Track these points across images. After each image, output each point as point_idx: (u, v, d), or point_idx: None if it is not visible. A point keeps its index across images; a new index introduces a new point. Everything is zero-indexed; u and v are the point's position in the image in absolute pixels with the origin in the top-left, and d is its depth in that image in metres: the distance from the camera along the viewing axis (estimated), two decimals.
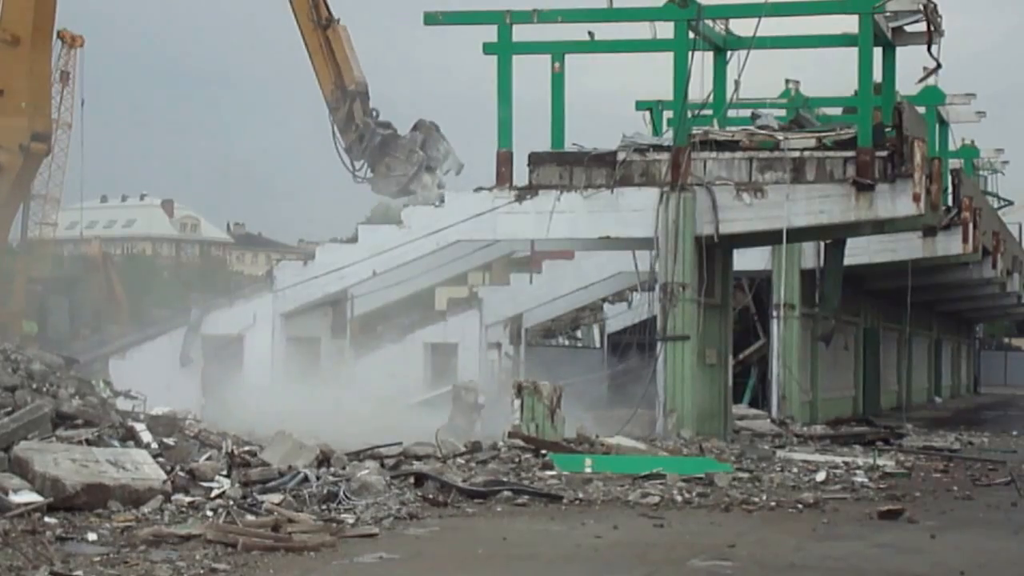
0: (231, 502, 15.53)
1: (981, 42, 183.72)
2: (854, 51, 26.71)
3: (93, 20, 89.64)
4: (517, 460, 20.53)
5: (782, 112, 32.44)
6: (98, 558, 12.91)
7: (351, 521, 15.28)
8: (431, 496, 17.16)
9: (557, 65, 29.01)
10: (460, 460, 20.23)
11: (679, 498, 18.15)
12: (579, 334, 53.60)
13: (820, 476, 20.96)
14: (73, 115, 52.67)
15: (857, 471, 21.94)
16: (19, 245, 48.26)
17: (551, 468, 19.93)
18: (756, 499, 18.27)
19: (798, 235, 28.91)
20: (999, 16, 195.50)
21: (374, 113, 29.81)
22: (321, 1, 29.79)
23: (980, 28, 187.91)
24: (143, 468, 15.92)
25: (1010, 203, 52.37)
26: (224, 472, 16.90)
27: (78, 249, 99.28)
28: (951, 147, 42.65)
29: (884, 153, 26.31)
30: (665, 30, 28.19)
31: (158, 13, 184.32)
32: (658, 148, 27.76)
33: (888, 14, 26.80)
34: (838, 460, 23.32)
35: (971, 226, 35.84)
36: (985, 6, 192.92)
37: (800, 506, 17.87)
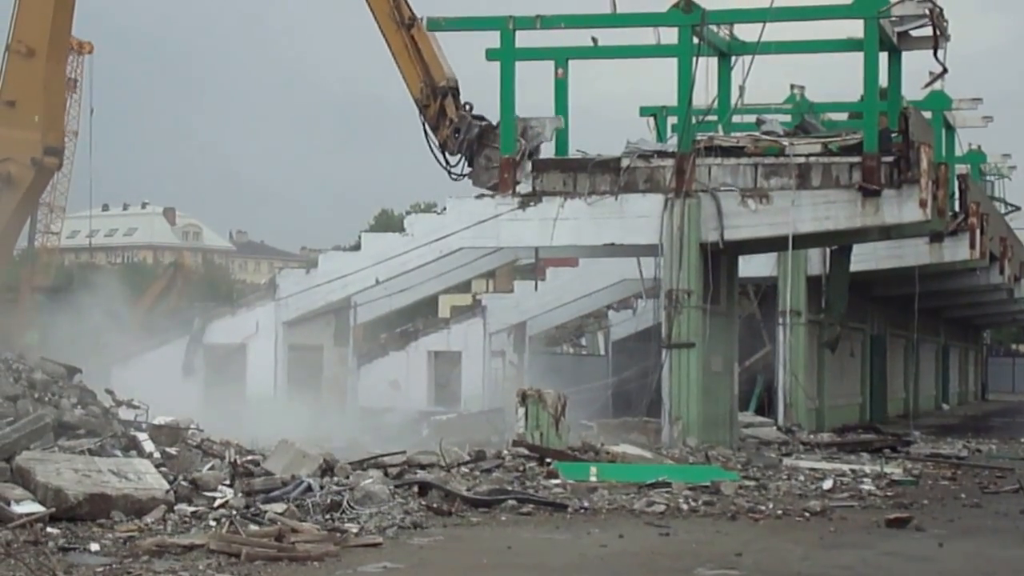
0: (234, 512, 15.45)
1: (987, 45, 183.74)
2: (860, 56, 26.62)
3: (96, 26, 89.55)
4: (522, 469, 20.44)
5: (787, 117, 32.35)
6: (101, 569, 12.85)
7: (355, 530, 15.20)
8: (435, 505, 17.07)
9: (560, 71, 28.96)
10: (464, 469, 20.13)
11: (685, 507, 18.06)
12: (583, 342, 53.53)
13: (827, 484, 20.87)
14: (80, 123, 52.61)
15: (864, 479, 21.85)
16: (23, 254, 48.22)
17: (556, 477, 19.83)
18: (763, 507, 18.18)
19: (804, 241, 28.78)
20: (1004, 18, 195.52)
21: (467, 107, 29.34)
22: (403, 1, 29.40)
23: (984, 30, 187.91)
24: (146, 478, 15.85)
25: (1017, 208, 52.24)
26: (227, 482, 16.82)
27: (79, 258, 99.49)
28: (958, 152, 42.53)
29: (890, 158, 26.20)
30: (669, 35, 28.11)
31: (161, 19, 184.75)
32: (662, 154, 27.66)
33: (894, 19, 26.69)
34: (845, 468, 23.22)
35: (978, 232, 35.73)
36: (989, 8, 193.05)
37: (807, 514, 17.78)
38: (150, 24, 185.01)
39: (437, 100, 29.04)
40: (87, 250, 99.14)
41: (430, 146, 29.17)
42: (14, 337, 37.24)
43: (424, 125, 29.20)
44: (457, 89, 29.22)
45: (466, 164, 29.03)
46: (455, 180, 29.24)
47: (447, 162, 29.09)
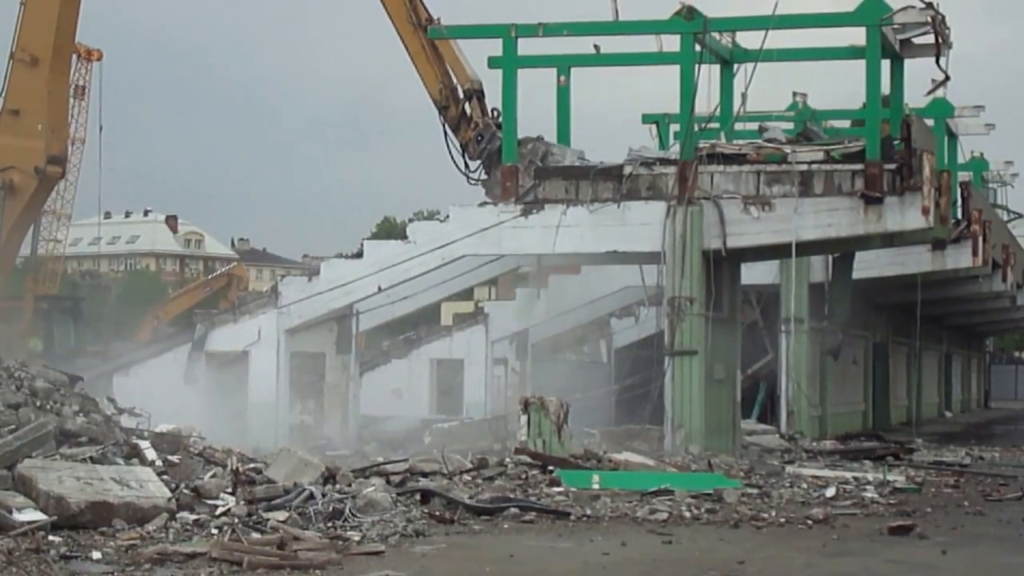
0: (236, 520, 15.44)
1: (990, 52, 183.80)
2: (862, 64, 26.62)
3: (100, 31, 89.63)
4: (524, 476, 20.42)
5: (790, 125, 32.34)
6: None
7: (357, 538, 15.20)
8: (437, 513, 17.05)
9: (563, 78, 28.97)
10: (466, 477, 20.10)
11: (688, 514, 18.04)
12: (586, 349, 53.48)
13: (830, 492, 20.86)
14: (87, 131, 52.55)
15: (867, 486, 21.82)
16: (26, 262, 48.19)
17: (558, 484, 19.81)
18: (765, 515, 18.16)
19: (806, 248, 28.79)
20: (1007, 26, 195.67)
21: (493, 113, 29.10)
22: (419, 2, 29.24)
23: (987, 37, 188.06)
24: (148, 486, 15.85)
25: (1020, 216, 52.21)
26: (229, 489, 16.81)
27: (82, 265, 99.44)
28: (960, 159, 42.53)
29: (893, 166, 26.21)
30: (672, 43, 28.11)
31: (163, 26, 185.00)
32: (665, 162, 27.68)
33: (896, 26, 26.70)
34: (848, 475, 23.20)
35: (980, 239, 35.70)
36: (992, 16, 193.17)
37: (810, 522, 17.76)
38: (153, 30, 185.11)
39: (459, 102, 28.93)
40: (93, 257, 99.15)
41: (449, 148, 29.00)
42: (16, 344, 37.28)
43: (444, 126, 29.04)
44: (482, 91, 29.03)
45: (483, 171, 28.91)
46: (472, 184, 29.07)
47: (466, 165, 28.91)
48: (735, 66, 28.49)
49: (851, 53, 28.06)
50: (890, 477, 23.09)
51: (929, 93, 31.10)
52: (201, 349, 30.74)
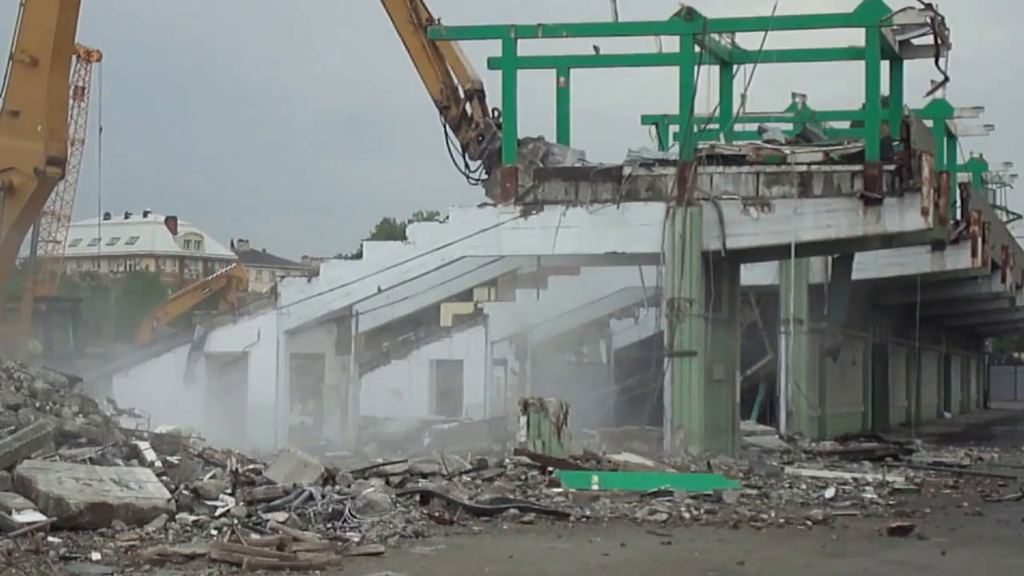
0: (236, 521, 15.46)
1: (989, 53, 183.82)
2: (861, 65, 26.63)
3: (99, 31, 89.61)
4: (523, 477, 20.43)
5: (789, 126, 32.32)
6: None
7: (357, 539, 15.21)
8: (437, 514, 17.06)
9: (562, 80, 28.96)
10: (466, 477, 20.11)
11: (687, 515, 18.05)
12: (585, 350, 53.49)
13: (829, 492, 20.87)
14: (87, 132, 52.59)
15: (866, 487, 21.83)
16: (25, 263, 48.23)
17: (558, 485, 19.82)
18: (765, 516, 18.17)
19: (806, 249, 28.79)
20: (1005, 27, 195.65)
21: (494, 113, 29.11)
22: (419, 3, 29.21)
23: (986, 39, 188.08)
24: (147, 487, 15.86)
25: (1019, 216, 52.29)
26: (229, 490, 16.82)
27: (82, 267, 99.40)
28: (959, 160, 42.54)
29: (892, 167, 26.22)
30: (671, 44, 28.12)
31: (163, 26, 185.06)
32: (664, 163, 27.68)
33: (895, 27, 26.70)
34: (847, 476, 23.21)
35: (980, 240, 35.74)
36: (991, 17, 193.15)
37: (809, 523, 17.78)
38: (153, 30, 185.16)
39: (459, 103, 28.91)
40: (92, 259, 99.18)
41: (449, 148, 28.95)
42: (15, 345, 37.29)
43: (445, 127, 29.02)
44: (483, 91, 29.01)
45: (483, 172, 28.88)
46: (472, 185, 29.03)
47: (467, 166, 28.87)
48: (734, 67, 28.49)
49: (850, 54, 28.06)
50: (889, 478, 23.10)
51: (928, 94, 31.14)
52: (200, 350, 30.75)
